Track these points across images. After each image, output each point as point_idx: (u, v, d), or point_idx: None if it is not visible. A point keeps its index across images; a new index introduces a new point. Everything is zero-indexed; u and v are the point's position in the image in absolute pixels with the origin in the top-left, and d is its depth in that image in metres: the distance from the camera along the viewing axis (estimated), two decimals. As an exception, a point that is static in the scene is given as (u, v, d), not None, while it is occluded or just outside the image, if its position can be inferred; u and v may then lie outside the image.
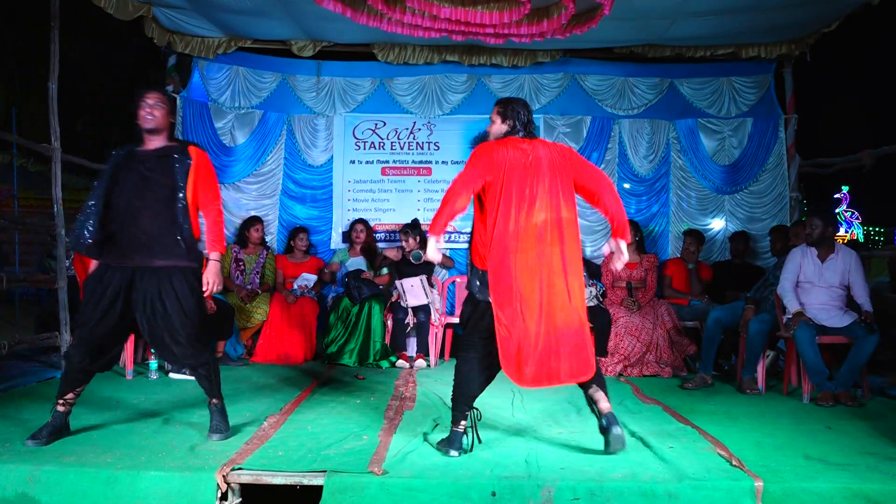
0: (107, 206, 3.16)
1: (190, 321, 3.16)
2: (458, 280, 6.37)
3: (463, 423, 3.11)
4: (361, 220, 6.21)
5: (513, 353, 2.97)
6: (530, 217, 3.02)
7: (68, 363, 3.22)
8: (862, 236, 16.55)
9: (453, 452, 3.03)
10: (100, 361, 3.22)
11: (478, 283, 3.13)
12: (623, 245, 3.17)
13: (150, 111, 3.24)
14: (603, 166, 6.71)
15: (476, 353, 3.12)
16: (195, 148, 3.31)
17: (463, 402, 3.12)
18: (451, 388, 3.19)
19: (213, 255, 3.29)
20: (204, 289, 3.22)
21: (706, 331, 4.98)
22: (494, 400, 4.21)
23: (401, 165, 6.82)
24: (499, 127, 3.24)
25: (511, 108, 3.22)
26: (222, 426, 3.28)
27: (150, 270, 3.15)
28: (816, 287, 4.52)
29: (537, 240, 3.02)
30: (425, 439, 3.26)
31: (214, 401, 3.34)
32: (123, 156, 3.27)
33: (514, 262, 2.98)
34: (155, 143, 3.29)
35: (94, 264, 3.29)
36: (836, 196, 16.45)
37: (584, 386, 3.16)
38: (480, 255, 3.13)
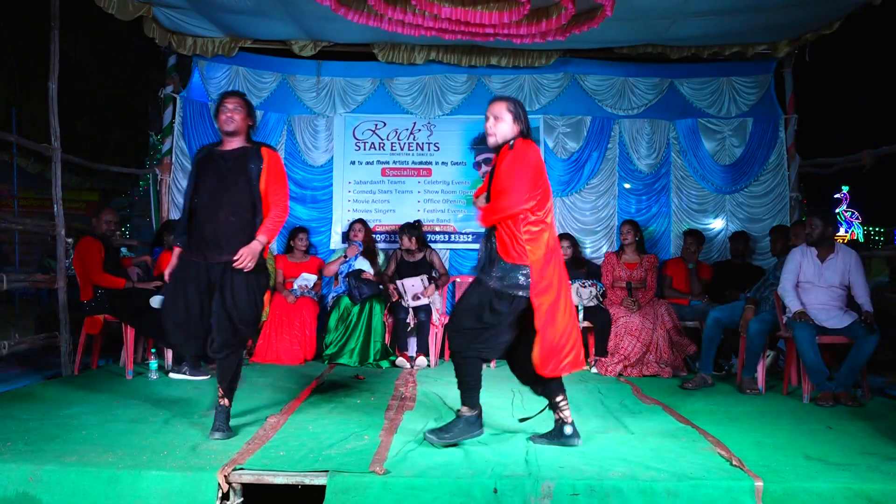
0: (192, 204, 3.37)
1: (239, 311, 3.25)
2: (458, 280, 6.37)
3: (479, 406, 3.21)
4: (360, 220, 6.20)
5: (557, 347, 3.10)
6: (553, 219, 3.24)
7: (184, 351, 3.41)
8: (862, 236, 16.54)
9: (477, 431, 3.16)
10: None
11: (521, 278, 3.07)
12: None
13: (231, 115, 3.38)
14: (603, 166, 6.73)
15: (475, 353, 3.15)
16: (267, 149, 3.43)
17: (474, 389, 3.20)
18: (459, 384, 3.22)
19: (260, 237, 3.30)
20: (236, 258, 3.22)
21: (706, 331, 4.98)
22: (494, 400, 4.21)
23: (401, 166, 6.82)
24: (510, 127, 3.18)
25: (522, 109, 3.23)
26: (224, 426, 3.28)
27: (219, 264, 3.27)
28: (816, 287, 4.52)
29: (558, 239, 3.27)
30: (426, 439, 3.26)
31: (225, 401, 3.33)
32: (203, 156, 3.45)
33: (555, 261, 3.14)
34: (233, 143, 3.42)
35: (173, 258, 3.40)
36: (836, 196, 16.44)
37: (551, 393, 3.25)
38: (518, 252, 3.07)
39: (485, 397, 4.31)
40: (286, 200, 3.43)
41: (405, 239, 5.93)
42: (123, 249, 5.76)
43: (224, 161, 3.37)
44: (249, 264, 3.23)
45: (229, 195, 3.31)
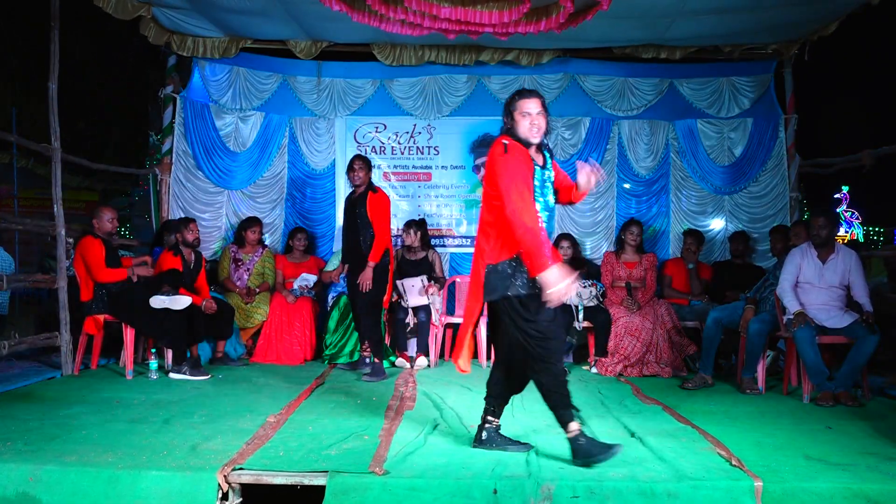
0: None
1: (369, 302, 4.87)
2: (458, 280, 6.37)
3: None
4: None
5: None
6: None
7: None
8: (862, 236, 16.51)
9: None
10: None
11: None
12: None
13: (357, 174, 4.88)
14: (603, 167, 6.71)
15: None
16: (372, 192, 4.88)
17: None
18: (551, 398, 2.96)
19: (369, 263, 4.78)
20: (358, 282, 4.81)
21: (706, 331, 4.98)
22: (495, 400, 4.21)
23: (402, 171, 6.82)
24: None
25: None
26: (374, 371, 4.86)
27: (355, 273, 4.89)
28: (816, 287, 4.52)
29: None
30: (426, 440, 3.26)
31: (367, 352, 5.06)
32: (348, 200, 5.04)
33: None
34: (359, 191, 4.95)
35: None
36: (836, 196, 16.41)
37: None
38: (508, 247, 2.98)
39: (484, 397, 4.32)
40: (384, 226, 4.84)
41: (409, 233, 5.92)
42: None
43: (353, 205, 4.92)
44: (368, 284, 4.80)
45: (356, 230, 4.87)
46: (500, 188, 2.89)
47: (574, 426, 2.92)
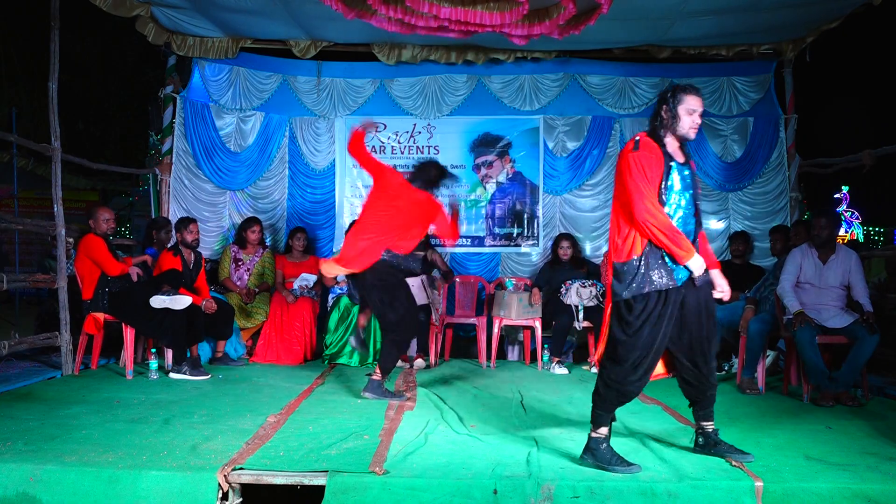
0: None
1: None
2: (458, 280, 6.37)
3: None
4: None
5: None
6: None
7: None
8: (862, 236, 16.53)
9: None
10: None
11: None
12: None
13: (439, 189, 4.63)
14: (604, 164, 6.70)
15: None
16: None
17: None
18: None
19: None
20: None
21: (706, 331, 4.97)
22: (494, 401, 4.22)
23: (402, 171, 6.77)
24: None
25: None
26: (375, 391, 4.18)
27: None
28: (817, 287, 4.52)
29: None
30: (426, 440, 3.26)
31: (376, 376, 4.22)
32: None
33: None
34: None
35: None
36: (836, 196, 16.44)
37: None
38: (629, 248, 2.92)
39: (485, 398, 4.33)
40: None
41: None
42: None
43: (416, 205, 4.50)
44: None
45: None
46: (628, 187, 2.85)
47: (604, 430, 2.91)
